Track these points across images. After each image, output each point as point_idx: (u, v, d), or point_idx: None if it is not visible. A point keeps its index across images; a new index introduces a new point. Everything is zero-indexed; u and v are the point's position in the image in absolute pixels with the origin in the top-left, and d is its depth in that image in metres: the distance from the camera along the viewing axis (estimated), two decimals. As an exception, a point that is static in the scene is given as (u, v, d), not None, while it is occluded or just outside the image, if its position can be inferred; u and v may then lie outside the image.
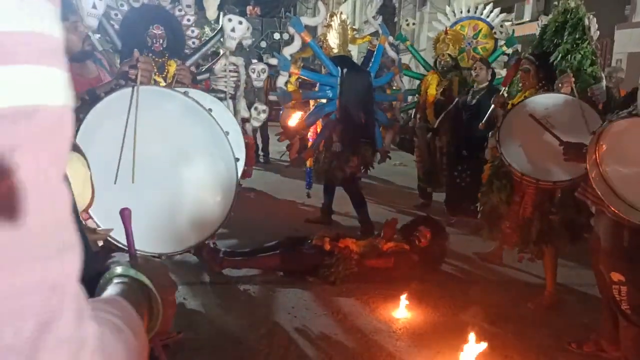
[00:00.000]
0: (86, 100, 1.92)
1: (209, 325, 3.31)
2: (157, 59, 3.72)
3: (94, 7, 3.79)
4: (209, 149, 1.99)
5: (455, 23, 6.40)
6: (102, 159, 1.69)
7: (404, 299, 3.50)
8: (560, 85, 3.66)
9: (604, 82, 3.61)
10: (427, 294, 3.66)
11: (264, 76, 4.98)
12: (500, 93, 4.51)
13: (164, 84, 3.54)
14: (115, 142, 1.73)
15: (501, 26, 6.38)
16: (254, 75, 4.84)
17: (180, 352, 2.97)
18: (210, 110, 2.02)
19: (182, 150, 1.81)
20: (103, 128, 1.74)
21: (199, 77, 4.18)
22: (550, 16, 4.21)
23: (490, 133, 4.28)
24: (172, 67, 3.79)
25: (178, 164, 1.85)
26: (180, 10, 4.66)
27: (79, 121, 1.66)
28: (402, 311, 3.47)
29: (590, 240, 3.14)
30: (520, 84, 4.15)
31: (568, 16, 3.83)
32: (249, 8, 18.35)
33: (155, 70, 3.70)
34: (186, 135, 1.90)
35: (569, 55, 3.65)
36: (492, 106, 4.41)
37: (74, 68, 2.76)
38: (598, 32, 3.76)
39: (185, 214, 1.91)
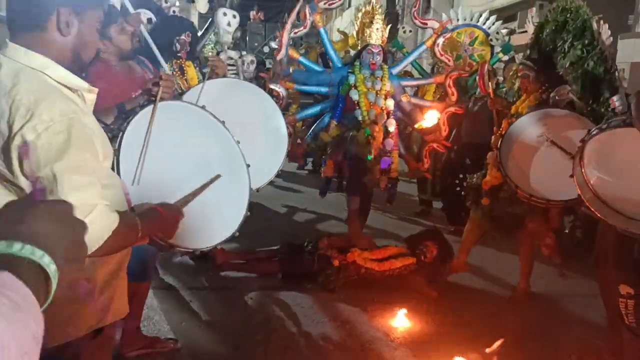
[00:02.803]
0: (119, 115, 1.97)
1: (205, 330, 3.28)
2: (177, 61, 3.75)
3: None
4: (221, 161, 2.06)
5: (452, 30, 6.38)
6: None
7: (401, 310, 3.47)
8: (557, 98, 3.55)
9: (622, 90, 3.47)
10: (425, 303, 3.62)
11: (252, 67, 5.10)
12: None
13: (187, 85, 3.62)
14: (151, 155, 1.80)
15: (497, 33, 6.38)
16: (243, 67, 4.93)
17: (176, 357, 2.94)
18: (224, 122, 2.11)
19: (199, 161, 1.94)
20: (135, 142, 1.79)
21: None
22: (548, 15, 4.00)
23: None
24: (190, 68, 3.80)
25: (198, 175, 1.90)
26: (166, 1, 4.67)
27: (120, 132, 1.72)
28: (400, 320, 3.44)
29: (595, 252, 3.10)
30: (517, 90, 4.03)
31: (568, 16, 3.67)
32: (252, 13, 18.40)
33: (179, 73, 3.73)
34: (202, 147, 2.04)
35: (581, 62, 3.49)
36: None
37: (122, 69, 2.79)
38: (611, 38, 3.56)
39: (199, 221, 1.92)
